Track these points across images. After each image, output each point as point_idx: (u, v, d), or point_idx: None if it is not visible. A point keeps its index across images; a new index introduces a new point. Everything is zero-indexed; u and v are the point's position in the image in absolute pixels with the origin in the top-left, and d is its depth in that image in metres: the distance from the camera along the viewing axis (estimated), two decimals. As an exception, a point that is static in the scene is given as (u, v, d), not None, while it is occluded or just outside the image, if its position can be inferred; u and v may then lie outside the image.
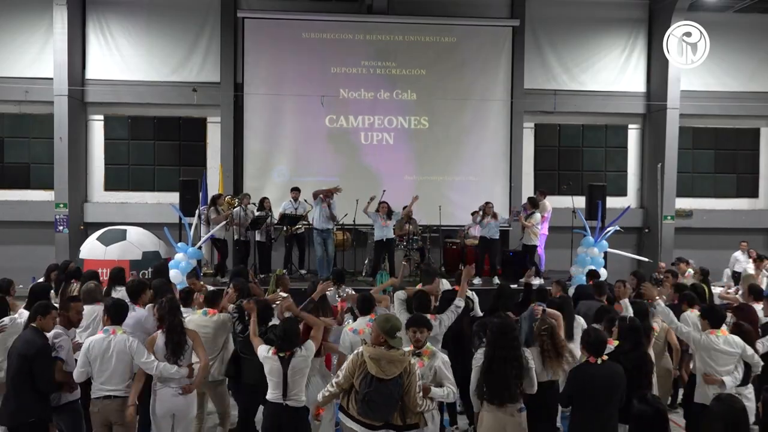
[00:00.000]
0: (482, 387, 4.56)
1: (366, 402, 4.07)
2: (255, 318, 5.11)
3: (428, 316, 5.46)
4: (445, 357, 4.71)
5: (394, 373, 4.06)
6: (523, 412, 4.60)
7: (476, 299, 6.84)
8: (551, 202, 12.47)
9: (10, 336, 5.36)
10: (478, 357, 4.71)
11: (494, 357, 4.50)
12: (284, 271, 9.78)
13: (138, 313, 5.50)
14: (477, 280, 10.70)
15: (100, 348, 4.75)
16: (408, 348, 4.54)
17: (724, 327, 5.41)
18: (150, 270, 9.98)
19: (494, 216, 10.96)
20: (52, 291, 6.70)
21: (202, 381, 5.19)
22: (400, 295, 5.78)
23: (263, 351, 4.73)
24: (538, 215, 11.20)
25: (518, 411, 4.57)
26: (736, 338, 5.34)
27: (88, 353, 4.76)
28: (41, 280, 7.40)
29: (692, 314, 6.27)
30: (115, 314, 4.93)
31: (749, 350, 5.34)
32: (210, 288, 6.74)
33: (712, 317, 5.43)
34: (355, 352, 4.27)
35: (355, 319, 6.05)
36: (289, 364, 4.59)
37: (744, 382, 5.36)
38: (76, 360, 4.90)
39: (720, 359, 5.25)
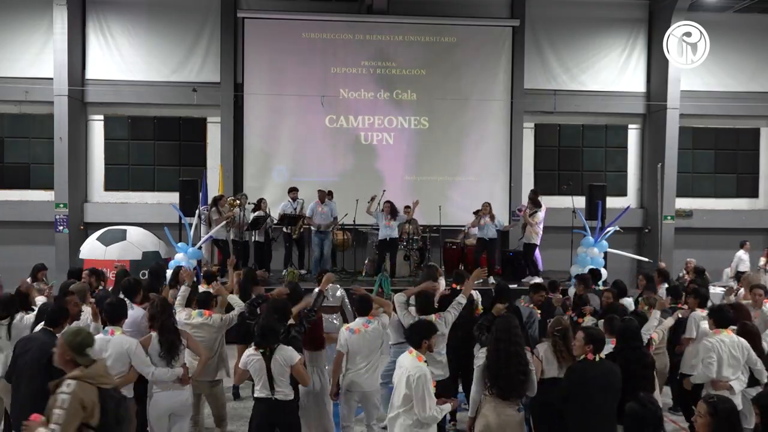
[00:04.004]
0: (486, 383, 4.56)
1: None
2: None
3: (432, 315, 5.52)
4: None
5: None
6: (521, 412, 4.61)
7: (479, 298, 6.93)
8: (551, 202, 12.49)
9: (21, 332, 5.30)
10: (480, 356, 4.72)
11: (499, 353, 4.51)
12: (293, 272, 9.86)
13: (136, 312, 5.52)
14: (491, 280, 10.75)
15: (98, 349, 4.72)
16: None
17: (730, 327, 5.37)
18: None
19: (492, 217, 11.03)
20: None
21: (200, 374, 5.20)
22: (400, 297, 5.79)
23: (248, 349, 4.77)
24: (540, 213, 11.23)
25: (517, 411, 4.58)
26: (743, 342, 5.28)
27: None
28: (27, 280, 7.39)
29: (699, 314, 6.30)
30: (113, 314, 4.89)
31: (753, 356, 5.26)
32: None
33: (718, 317, 5.40)
34: (70, 391, 3.31)
35: (345, 320, 6.21)
36: (271, 360, 4.62)
37: (754, 383, 5.30)
38: None
39: (730, 365, 5.19)
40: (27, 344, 4.62)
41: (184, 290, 5.94)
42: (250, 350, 4.73)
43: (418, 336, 4.51)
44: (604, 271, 10.17)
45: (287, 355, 4.70)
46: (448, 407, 4.54)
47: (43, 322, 4.86)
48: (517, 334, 4.61)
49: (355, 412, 5.58)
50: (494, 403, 4.55)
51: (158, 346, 4.83)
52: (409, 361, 4.40)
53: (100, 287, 7.11)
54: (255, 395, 4.77)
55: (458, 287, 6.13)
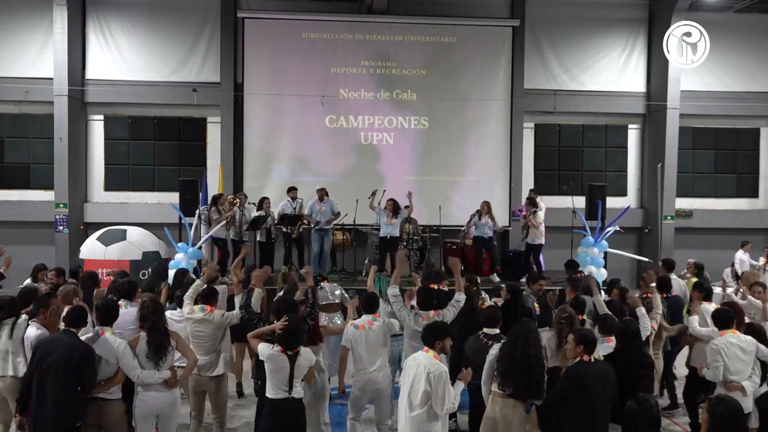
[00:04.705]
0: (494, 377, 4.63)
1: None
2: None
3: (431, 312, 5.57)
4: None
5: None
6: (527, 413, 4.63)
7: (487, 296, 7.12)
8: (551, 202, 12.50)
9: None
10: (493, 351, 4.78)
11: (514, 353, 4.57)
12: (291, 267, 9.90)
13: (135, 310, 5.52)
14: (496, 278, 10.81)
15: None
16: None
17: (734, 327, 5.35)
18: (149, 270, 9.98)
19: (491, 217, 11.05)
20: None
21: (186, 378, 5.19)
22: (393, 290, 5.84)
23: (266, 348, 4.73)
24: (541, 213, 11.23)
25: (524, 411, 4.61)
26: (749, 338, 5.28)
27: None
28: (28, 280, 7.41)
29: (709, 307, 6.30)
30: (105, 315, 4.88)
31: (762, 348, 5.26)
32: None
33: (718, 318, 5.40)
34: None
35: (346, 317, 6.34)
36: (296, 362, 4.66)
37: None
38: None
39: (739, 364, 5.18)
40: (51, 346, 4.59)
41: (198, 284, 5.94)
42: (273, 350, 4.70)
43: (431, 337, 4.63)
44: (603, 271, 10.17)
45: (309, 356, 4.81)
46: (461, 385, 4.62)
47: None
48: (536, 338, 4.70)
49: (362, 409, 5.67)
50: (502, 401, 4.59)
51: (146, 347, 4.81)
52: (426, 359, 4.50)
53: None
54: (269, 396, 4.73)
55: (437, 287, 6.19)
